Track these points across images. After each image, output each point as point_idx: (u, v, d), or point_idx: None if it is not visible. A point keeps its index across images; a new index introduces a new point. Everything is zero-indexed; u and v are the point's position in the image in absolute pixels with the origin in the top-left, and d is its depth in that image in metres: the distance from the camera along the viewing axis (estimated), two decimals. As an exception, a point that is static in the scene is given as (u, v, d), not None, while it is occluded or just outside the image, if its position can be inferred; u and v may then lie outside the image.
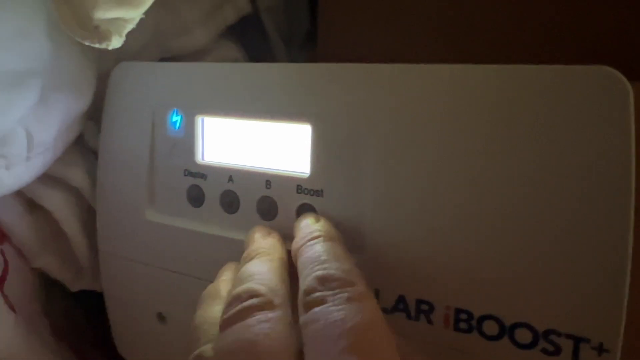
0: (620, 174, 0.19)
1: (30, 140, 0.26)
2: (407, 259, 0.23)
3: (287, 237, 0.25)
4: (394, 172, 0.23)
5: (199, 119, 0.28)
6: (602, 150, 0.19)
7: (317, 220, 0.23)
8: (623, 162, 0.19)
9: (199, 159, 0.28)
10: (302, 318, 0.18)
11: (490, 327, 0.21)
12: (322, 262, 0.20)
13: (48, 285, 0.35)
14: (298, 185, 0.25)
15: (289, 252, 0.23)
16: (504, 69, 0.21)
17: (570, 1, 0.30)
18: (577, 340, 0.20)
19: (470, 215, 0.21)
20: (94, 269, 0.34)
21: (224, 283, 0.24)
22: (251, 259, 0.22)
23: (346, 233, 0.24)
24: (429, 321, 0.23)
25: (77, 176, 0.32)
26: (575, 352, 0.20)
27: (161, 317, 0.31)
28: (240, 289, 0.20)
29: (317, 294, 0.18)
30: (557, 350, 0.20)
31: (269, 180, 0.26)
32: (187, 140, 0.28)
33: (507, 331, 0.21)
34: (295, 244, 0.23)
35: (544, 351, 0.20)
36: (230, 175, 0.27)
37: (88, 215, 0.33)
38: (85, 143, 0.33)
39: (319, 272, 0.19)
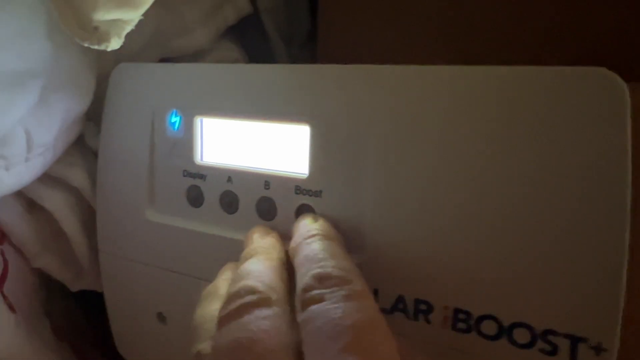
0: (617, 175, 0.19)
1: (30, 140, 0.26)
2: (406, 259, 0.23)
3: (286, 237, 0.25)
4: (393, 173, 0.23)
5: (198, 120, 0.28)
6: (600, 151, 0.19)
7: (315, 220, 0.24)
8: (620, 163, 0.19)
9: (198, 159, 0.28)
10: (300, 316, 0.18)
11: (489, 327, 0.21)
12: (319, 260, 0.20)
13: (48, 285, 0.35)
14: (297, 186, 0.25)
15: (287, 252, 0.23)
16: (502, 70, 0.21)
17: (570, 1, 0.30)
18: (575, 340, 0.20)
19: (468, 215, 0.21)
20: (94, 269, 0.34)
21: (224, 282, 0.24)
22: (249, 257, 0.23)
23: (345, 233, 0.24)
24: (428, 321, 0.23)
25: (77, 176, 0.32)
26: (573, 352, 0.20)
27: (161, 317, 0.31)
28: (238, 286, 0.20)
29: (315, 292, 0.18)
30: (555, 350, 0.20)
31: (268, 181, 0.26)
32: (186, 140, 0.28)
33: (505, 331, 0.21)
34: (292, 243, 0.23)
35: (542, 351, 0.21)
36: (229, 175, 0.27)
37: (88, 215, 0.33)
38: (85, 143, 0.33)
39: (317, 270, 0.19)
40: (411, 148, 0.22)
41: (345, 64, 0.24)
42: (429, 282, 0.22)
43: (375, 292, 0.23)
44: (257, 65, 0.27)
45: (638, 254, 0.20)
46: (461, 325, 0.22)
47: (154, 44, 0.35)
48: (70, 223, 0.31)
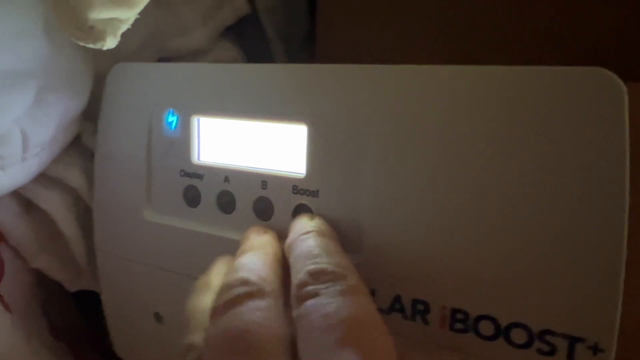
0: (615, 175, 0.19)
1: (26, 140, 0.26)
2: (403, 259, 0.23)
3: (283, 237, 0.25)
4: (391, 173, 0.23)
5: (194, 119, 0.28)
6: (598, 151, 0.19)
7: (312, 219, 0.23)
8: (618, 163, 0.19)
9: (195, 159, 0.28)
10: (295, 311, 0.18)
11: (486, 327, 0.21)
12: (314, 257, 0.20)
13: (47, 286, 0.35)
14: (294, 186, 0.25)
15: (283, 250, 0.23)
16: (500, 70, 0.21)
17: (570, 1, 0.30)
18: (573, 340, 0.20)
19: (466, 215, 0.21)
20: (91, 269, 0.34)
21: (216, 275, 0.23)
22: (245, 253, 0.22)
23: (342, 233, 0.24)
24: (425, 321, 0.23)
25: (74, 176, 0.32)
26: (571, 352, 0.20)
27: (158, 317, 0.31)
28: (232, 277, 0.20)
29: (310, 287, 0.18)
30: (553, 350, 0.20)
31: (265, 181, 0.26)
32: (183, 140, 0.28)
33: (502, 331, 0.21)
34: (287, 240, 0.23)
35: (540, 351, 0.20)
36: (226, 175, 0.27)
37: (86, 215, 0.33)
38: (82, 143, 0.33)
39: (311, 267, 0.19)
40: (409, 148, 0.22)
41: (344, 63, 0.24)
42: (427, 282, 0.22)
43: (373, 292, 0.23)
44: (254, 64, 0.27)
45: (636, 254, 0.20)
46: (459, 325, 0.22)
47: (151, 44, 0.35)
48: (67, 223, 0.31)
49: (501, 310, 0.21)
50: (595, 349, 0.19)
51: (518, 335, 0.21)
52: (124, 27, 0.21)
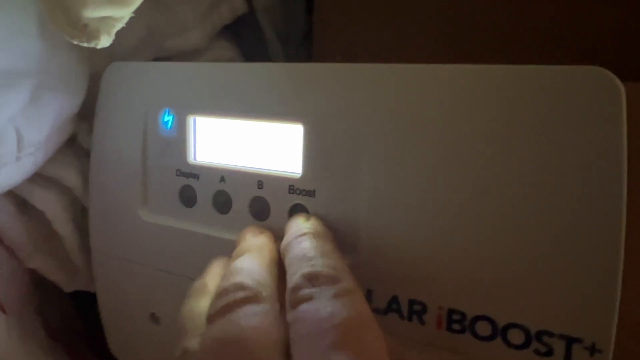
0: (613, 175, 0.19)
1: (21, 140, 0.26)
2: (400, 259, 0.23)
3: (279, 237, 0.25)
4: (387, 173, 0.23)
5: (190, 119, 0.28)
6: (596, 150, 0.19)
7: (307, 220, 0.23)
8: (616, 163, 0.19)
9: (191, 159, 0.28)
10: (290, 315, 0.18)
11: (483, 328, 0.21)
12: (309, 259, 0.20)
13: (42, 286, 0.35)
14: (290, 186, 0.25)
15: (279, 251, 0.23)
16: (498, 69, 0.21)
17: (570, 1, 0.30)
18: (570, 341, 0.20)
19: (463, 216, 0.21)
20: (87, 269, 0.33)
21: (212, 278, 0.23)
22: (241, 255, 0.22)
23: (338, 233, 0.24)
24: (422, 322, 0.22)
25: (70, 176, 0.32)
26: (568, 353, 0.20)
27: (154, 318, 0.31)
28: (228, 282, 0.20)
29: (304, 291, 0.18)
30: (550, 351, 0.20)
31: (261, 181, 0.26)
32: (179, 140, 0.28)
33: (499, 332, 0.21)
34: (283, 242, 0.22)
35: (537, 352, 0.20)
36: (222, 175, 0.27)
37: (81, 215, 0.33)
38: (78, 143, 0.33)
39: (306, 269, 0.19)
40: (406, 147, 0.22)
41: (343, 63, 0.24)
42: (424, 282, 0.22)
43: (369, 293, 0.23)
44: (250, 64, 0.26)
45: (634, 254, 0.20)
46: (455, 325, 0.22)
47: (148, 43, 0.35)
48: (63, 223, 0.31)
49: (498, 311, 0.21)
50: (593, 350, 0.19)
51: (515, 336, 0.21)
52: (119, 26, 0.21)
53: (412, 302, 0.23)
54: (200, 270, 0.27)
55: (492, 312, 0.21)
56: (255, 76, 0.26)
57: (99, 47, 0.20)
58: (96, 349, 0.38)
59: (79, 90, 0.30)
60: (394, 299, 0.23)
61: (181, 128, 0.28)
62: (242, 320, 0.18)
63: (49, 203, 0.31)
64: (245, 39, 0.41)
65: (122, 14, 0.21)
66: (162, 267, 0.29)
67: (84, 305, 0.38)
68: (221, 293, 0.19)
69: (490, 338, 0.21)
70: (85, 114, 0.32)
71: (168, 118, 0.28)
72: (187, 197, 0.28)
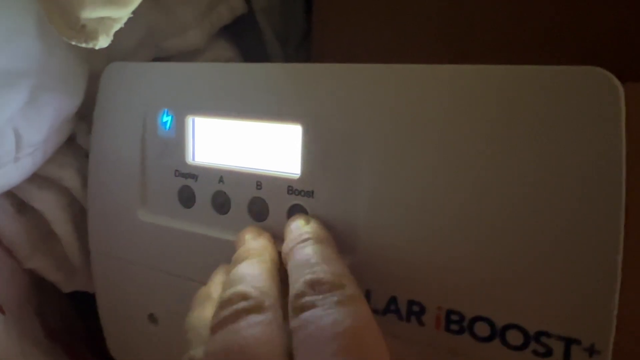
0: (611, 175, 0.19)
1: (20, 140, 0.26)
2: (398, 260, 0.23)
3: (278, 238, 0.25)
4: (386, 173, 0.23)
5: (189, 120, 0.28)
6: (594, 151, 0.19)
7: (307, 222, 0.23)
8: (614, 163, 0.19)
9: (189, 159, 0.28)
10: (293, 323, 0.18)
11: (482, 329, 0.21)
12: (312, 266, 0.20)
13: (41, 286, 0.35)
14: (289, 186, 0.25)
15: (280, 253, 0.23)
16: (497, 69, 0.21)
17: (570, 1, 0.30)
18: (569, 342, 0.20)
19: (462, 216, 0.21)
20: (86, 269, 0.33)
21: (217, 286, 0.23)
22: (242, 260, 0.22)
23: (337, 234, 0.23)
24: (421, 322, 0.22)
25: (69, 176, 0.31)
26: (567, 354, 0.20)
27: (153, 318, 0.31)
28: (231, 291, 0.20)
29: (307, 298, 0.18)
30: (549, 352, 0.20)
31: (259, 181, 0.26)
32: (178, 140, 0.28)
33: (498, 333, 0.21)
34: (285, 247, 0.22)
35: (536, 353, 0.20)
36: (221, 176, 0.27)
37: (80, 215, 0.33)
38: (77, 143, 0.33)
39: (309, 276, 0.19)
40: (405, 148, 0.22)
41: (341, 63, 0.24)
42: (422, 283, 0.22)
43: (368, 293, 0.23)
44: (249, 64, 0.26)
45: (632, 255, 0.20)
46: (454, 326, 0.22)
47: (147, 44, 0.35)
48: (61, 224, 0.31)
49: (497, 312, 0.21)
50: (591, 351, 0.19)
51: (514, 337, 0.21)
52: (117, 26, 0.21)
53: (410, 303, 0.23)
54: (199, 271, 0.27)
55: (490, 313, 0.21)
56: (253, 77, 0.26)
57: (97, 47, 0.20)
58: (95, 349, 0.38)
59: (78, 90, 0.30)
60: (393, 300, 0.23)
61: (180, 128, 0.28)
62: (245, 331, 0.18)
63: (47, 203, 0.31)
64: (244, 39, 0.41)
65: (121, 15, 0.21)
66: (161, 268, 0.29)
67: (83, 305, 0.38)
68: (224, 303, 0.19)
69: (489, 339, 0.21)
70: (84, 114, 0.32)
71: (167, 118, 0.28)
72: (186, 198, 0.28)
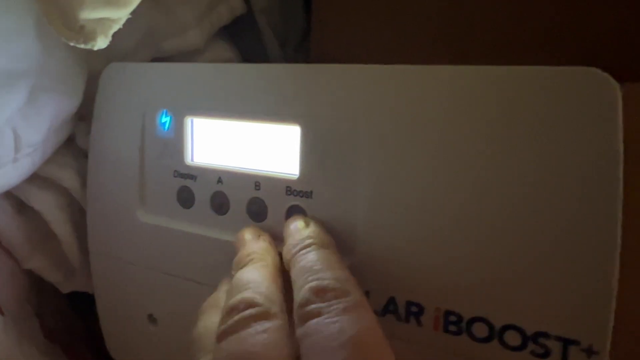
0: (608, 176, 0.19)
1: (18, 140, 0.26)
2: (397, 260, 0.23)
3: (276, 238, 0.25)
4: (385, 174, 0.23)
5: (188, 120, 0.28)
6: (592, 151, 0.19)
7: (307, 224, 0.23)
8: (612, 164, 0.19)
9: (188, 160, 0.28)
10: (299, 331, 0.18)
11: (480, 329, 0.21)
12: (316, 272, 0.20)
13: (40, 287, 0.35)
14: (287, 187, 0.25)
15: (280, 255, 0.23)
16: (495, 70, 0.21)
17: (570, 1, 0.30)
18: (567, 343, 0.20)
19: (460, 218, 0.21)
20: (85, 270, 0.33)
21: (223, 294, 0.23)
22: (244, 265, 0.22)
23: (336, 235, 0.23)
24: (419, 323, 0.22)
25: (67, 177, 0.31)
26: (565, 354, 0.20)
27: (152, 319, 0.31)
28: (237, 299, 0.19)
29: (312, 306, 0.18)
30: (547, 353, 0.20)
31: (258, 182, 0.26)
32: (177, 141, 0.28)
33: (496, 333, 0.21)
34: (287, 252, 0.22)
35: (534, 353, 0.20)
36: (220, 176, 0.27)
37: (79, 216, 0.33)
38: (76, 144, 0.33)
39: (313, 283, 0.19)
40: (403, 149, 0.22)
41: (339, 64, 0.24)
42: (421, 284, 0.22)
43: (367, 294, 0.23)
44: (248, 65, 0.26)
45: (632, 255, 0.20)
46: (452, 327, 0.22)
47: (146, 44, 0.35)
48: (60, 224, 0.31)
49: (495, 312, 0.21)
50: (589, 352, 0.19)
51: (512, 338, 0.21)
52: (116, 27, 0.21)
53: (409, 304, 0.23)
54: (198, 271, 0.27)
55: (488, 314, 0.21)
56: (252, 77, 0.26)
57: (95, 48, 0.20)
58: (94, 349, 0.38)
59: (77, 91, 0.30)
60: (391, 301, 0.23)
61: (179, 129, 0.28)
62: (252, 339, 0.18)
63: (46, 204, 0.31)
64: (243, 39, 0.41)
65: (119, 15, 0.21)
66: (160, 268, 0.29)
67: (82, 306, 0.38)
68: (230, 310, 0.19)
69: (487, 340, 0.21)
70: (84, 115, 0.32)
71: (166, 119, 0.28)
72: (185, 198, 0.28)
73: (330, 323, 0.17)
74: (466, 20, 0.33)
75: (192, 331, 0.22)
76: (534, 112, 0.20)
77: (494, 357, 0.21)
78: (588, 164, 0.19)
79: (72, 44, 0.20)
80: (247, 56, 0.41)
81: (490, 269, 0.21)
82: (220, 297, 0.23)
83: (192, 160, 0.28)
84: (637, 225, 0.21)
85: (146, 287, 0.30)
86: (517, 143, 0.20)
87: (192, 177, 0.28)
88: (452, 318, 0.22)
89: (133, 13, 0.21)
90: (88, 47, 0.20)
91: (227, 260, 0.24)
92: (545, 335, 0.20)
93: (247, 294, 0.20)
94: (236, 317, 0.19)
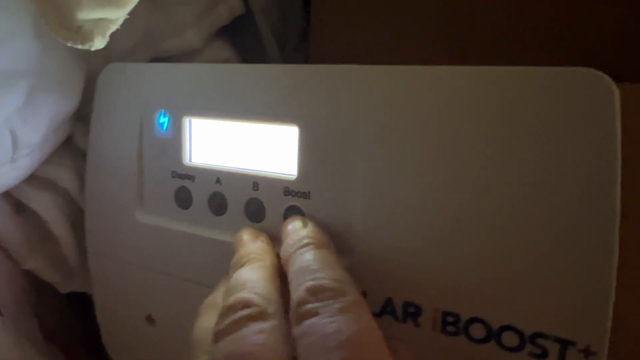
0: (606, 176, 0.19)
1: (16, 141, 0.26)
2: (395, 261, 0.23)
3: (274, 239, 0.25)
4: (383, 175, 0.23)
5: (186, 120, 0.28)
6: (590, 152, 0.19)
7: (305, 225, 0.23)
8: (610, 165, 0.19)
9: (186, 160, 0.28)
10: (296, 330, 0.18)
11: (478, 330, 0.21)
12: (313, 272, 0.20)
13: (38, 287, 0.35)
14: (285, 187, 0.25)
15: (278, 256, 0.23)
16: (493, 70, 0.21)
17: (569, 1, 0.30)
18: (564, 343, 0.20)
19: (457, 219, 0.21)
20: (83, 270, 0.33)
21: (221, 295, 0.23)
22: (242, 265, 0.22)
23: (334, 235, 0.23)
24: (417, 324, 0.22)
25: (66, 177, 0.31)
26: (562, 355, 0.20)
27: (150, 319, 0.31)
28: (233, 299, 0.19)
29: (309, 305, 0.18)
30: (545, 353, 0.20)
31: (256, 182, 0.26)
32: (175, 141, 0.28)
33: (494, 334, 0.21)
34: (284, 252, 0.22)
35: (531, 354, 0.20)
36: (218, 177, 0.27)
37: (77, 216, 0.33)
38: (74, 144, 0.33)
39: (310, 283, 0.19)
40: (402, 149, 0.22)
41: (338, 64, 0.24)
42: (418, 284, 0.22)
43: (364, 294, 0.23)
44: (246, 65, 0.26)
45: (631, 255, 0.20)
46: (450, 328, 0.22)
47: (145, 44, 0.35)
48: (58, 224, 0.31)
49: (492, 313, 0.21)
50: (587, 352, 0.19)
51: (509, 338, 0.21)
52: (113, 28, 0.21)
53: (406, 304, 0.22)
54: (196, 272, 0.27)
55: (486, 315, 0.21)
56: (250, 77, 0.26)
57: (92, 49, 0.20)
58: (92, 350, 0.38)
59: (75, 91, 0.30)
60: (389, 301, 0.23)
61: (177, 129, 0.28)
62: (249, 339, 0.18)
63: (44, 204, 0.31)
64: (242, 39, 0.41)
65: (117, 16, 0.21)
66: (158, 269, 0.29)
67: (81, 306, 0.38)
68: (227, 310, 0.19)
69: (485, 340, 0.21)
70: (82, 115, 0.32)
71: (164, 119, 0.28)
72: (183, 199, 0.28)
73: (327, 323, 0.17)
74: (466, 20, 0.33)
75: (190, 332, 0.21)
76: (533, 112, 0.20)
77: (492, 357, 0.21)
78: (586, 164, 0.19)
79: (69, 44, 0.20)
80: (246, 56, 0.41)
81: (488, 269, 0.21)
82: (218, 298, 0.23)
83: (190, 160, 0.28)
84: (636, 225, 0.21)
85: (144, 288, 0.30)
86: (514, 143, 0.20)
87: (190, 177, 0.28)
88: (450, 319, 0.22)
89: (131, 13, 0.21)
90: (85, 47, 0.20)
91: (225, 261, 0.24)
92: (543, 335, 0.20)
93: (243, 294, 0.19)
94: (233, 317, 0.19)
